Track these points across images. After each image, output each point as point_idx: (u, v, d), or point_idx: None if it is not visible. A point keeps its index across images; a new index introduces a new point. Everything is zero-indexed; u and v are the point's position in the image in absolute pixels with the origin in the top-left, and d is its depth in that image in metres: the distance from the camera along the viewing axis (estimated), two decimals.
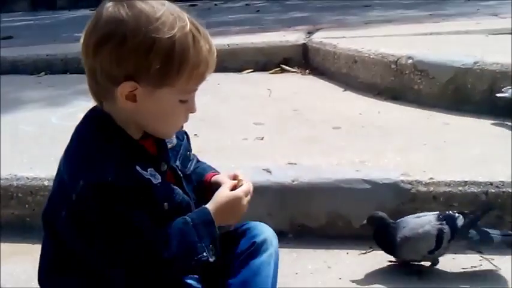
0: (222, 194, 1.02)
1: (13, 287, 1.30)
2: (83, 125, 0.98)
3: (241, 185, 1.05)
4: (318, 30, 2.94)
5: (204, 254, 0.97)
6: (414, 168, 1.53)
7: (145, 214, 0.95)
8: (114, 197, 0.91)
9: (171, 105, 0.96)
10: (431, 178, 1.48)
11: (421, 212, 1.44)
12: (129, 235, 0.93)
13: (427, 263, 1.34)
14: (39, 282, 1.06)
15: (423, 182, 1.47)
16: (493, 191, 1.44)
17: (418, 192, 1.46)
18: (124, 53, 0.91)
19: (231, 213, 1.02)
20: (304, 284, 1.30)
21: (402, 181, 1.47)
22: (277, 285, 1.10)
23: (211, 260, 0.98)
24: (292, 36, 2.82)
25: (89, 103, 1.04)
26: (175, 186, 1.03)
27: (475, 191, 1.44)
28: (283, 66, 2.69)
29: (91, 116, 0.98)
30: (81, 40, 0.96)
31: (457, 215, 1.34)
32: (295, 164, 1.60)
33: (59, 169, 1.00)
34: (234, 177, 1.07)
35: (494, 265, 1.35)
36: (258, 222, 1.13)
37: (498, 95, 1.91)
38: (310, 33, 2.87)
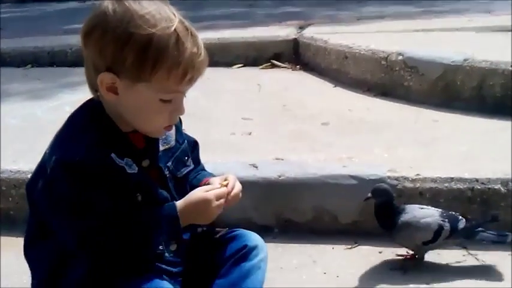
0: (194, 194, 1.03)
1: None
2: (76, 111, 1.04)
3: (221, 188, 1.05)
4: (309, 25, 2.92)
5: (161, 247, 1.00)
6: (401, 164, 1.53)
7: (109, 198, 0.98)
8: (78, 176, 0.96)
9: (150, 103, 0.98)
10: (417, 174, 1.48)
11: None
12: (87, 214, 0.97)
13: (409, 253, 1.36)
14: (24, 253, 1.12)
15: (410, 178, 1.47)
16: (479, 187, 1.44)
17: (404, 188, 1.46)
18: (104, 44, 0.95)
19: (199, 213, 1.03)
20: (289, 279, 1.30)
21: (389, 177, 1.47)
22: None
23: (167, 254, 1.01)
24: (284, 31, 2.81)
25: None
26: (153, 181, 1.04)
27: (461, 187, 1.45)
28: (274, 61, 2.67)
29: (86, 104, 1.04)
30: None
31: (460, 217, 1.35)
32: (282, 159, 1.60)
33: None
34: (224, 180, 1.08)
35: (477, 259, 1.36)
36: (249, 231, 1.15)
37: None
38: (301, 28, 2.85)
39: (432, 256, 1.35)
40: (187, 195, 1.04)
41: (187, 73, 0.96)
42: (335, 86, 2.36)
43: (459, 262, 1.36)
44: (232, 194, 1.06)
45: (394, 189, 1.46)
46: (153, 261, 1.04)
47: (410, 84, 2.14)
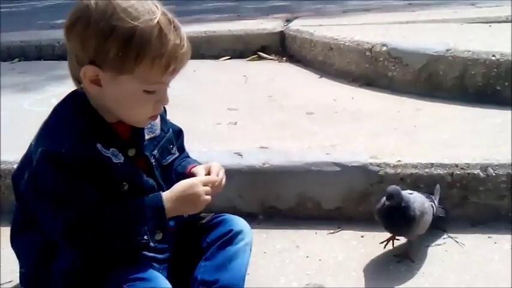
0: (180, 185, 1.05)
1: None
2: (60, 103, 1.07)
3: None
4: (296, 18, 2.95)
5: (145, 237, 1.01)
6: (383, 151, 1.56)
7: (94, 188, 1.00)
8: (64, 167, 0.97)
9: (133, 94, 1.00)
10: (399, 161, 1.51)
11: None
12: (72, 205, 0.98)
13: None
14: (10, 242, 1.14)
15: (391, 165, 1.50)
16: (458, 172, 1.47)
17: (386, 174, 1.49)
18: (87, 37, 0.97)
19: (187, 201, 1.05)
20: (272, 262, 1.33)
21: (371, 163, 1.50)
22: None
23: (152, 244, 1.02)
24: (270, 24, 2.83)
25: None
26: (139, 170, 1.05)
27: (441, 172, 1.48)
28: (261, 53, 2.70)
29: (70, 96, 1.07)
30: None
31: (432, 196, 1.39)
32: (266, 147, 1.62)
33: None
34: (207, 171, 1.11)
35: (457, 242, 1.39)
36: (235, 216, 1.18)
37: None
38: (288, 21, 2.88)
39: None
40: (173, 186, 1.05)
41: (170, 64, 0.98)
42: (320, 77, 2.39)
43: (439, 245, 1.39)
44: (216, 183, 1.09)
45: (376, 175, 1.49)
46: (139, 250, 1.06)
47: (394, 74, 2.17)
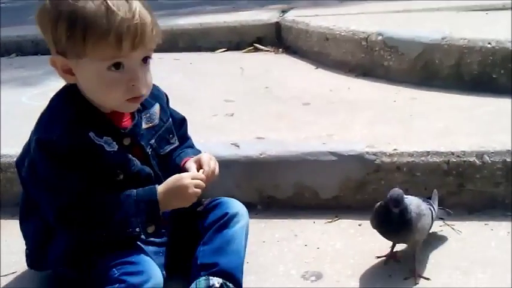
0: (170, 180, 1.07)
1: None
2: (56, 95, 1.10)
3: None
4: (292, 8, 2.94)
5: (137, 229, 1.03)
6: (379, 140, 1.57)
7: (87, 176, 1.02)
8: (55, 154, 1.00)
9: (99, 75, 1.00)
10: (395, 149, 1.52)
11: (385, 181, 1.49)
12: (63, 192, 1.01)
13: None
14: (19, 225, 1.19)
15: (387, 153, 1.51)
16: (454, 160, 1.48)
17: (382, 163, 1.50)
18: (45, 29, 1.01)
19: (177, 198, 1.06)
20: (270, 251, 1.34)
21: (367, 152, 1.51)
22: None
23: (143, 236, 1.04)
24: (266, 15, 2.82)
25: (59, 83, 1.10)
26: (134, 158, 1.07)
27: (437, 160, 1.49)
28: (257, 45, 2.69)
29: (64, 87, 1.10)
30: None
31: (430, 200, 1.33)
32: (263, 138, 1.63)
33: None
34: (198, 163, 1.12)
35: (453, 229, 1.40)
36: (230, 198, 1.20)
37: None
38: (284, 12, 2.87)
39: None
40: (165, 181, 1.07)
41: (122, 39, 0.97)
42: (317, 68, 2.39)
43: (436, 232, 1.40)
44: (210, 172, 1.09)
45: (373, 164, 1.50)
46: (131, 240, 1.08)
47: (390, 63, 2.17)
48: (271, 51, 2.65)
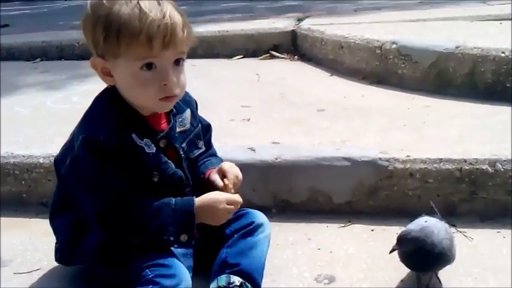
0: (208, 195, 1.11)
1: (10, 258, 1.37)
2: (99, 95, 1.15)
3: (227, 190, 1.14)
4: (307, 17, 2.99)
5: (171, 238, 1.07)
6: (392, 146, 1.59)
7: (128, 177, 1.06)
8: (101, 153, 1.04)
9: (133, 74, 1.06)
10: (408, 156, 1.54)
11: (398, 187, 1.51)
12: (106, 192, 1.05)
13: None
14: (49, 220, 1.23)
15: (400, 160, 1.53)
16: (467, 167, 1.50)
17: (395, 169, 1.52)
18: (87, 33, 1.07)
19: (209, 215, 1.11)
20: (284, 254, 1.37)
21: (380, 158, 1.53)
22: None
23: (175, 245, 1.09)
24: (282, 23, 2.87)
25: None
26: (169, 161, 1.12)
27: (450, 167, 1.50)
28: (273, 52, 2.74)
29: (106, 89, 1.14)
30: None
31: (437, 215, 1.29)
32: (278, 143, 1.67)
33: None
34: (222, 173, 1.16)
35: (465, 236, 1.42)
36: (256, 210, 1.25)
37: None
38: (299, 20, 2.92)
39: None
40: (202, 197, 1.11)
41: (152, 38, 1.02)
42: (331, 75, 2.42)
43: None
44: (235, 180, 1.15)
45: (386, 170, 1.52)
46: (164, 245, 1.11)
47: (404, 72, 2.20)
48: (286, 59, 2.70)
